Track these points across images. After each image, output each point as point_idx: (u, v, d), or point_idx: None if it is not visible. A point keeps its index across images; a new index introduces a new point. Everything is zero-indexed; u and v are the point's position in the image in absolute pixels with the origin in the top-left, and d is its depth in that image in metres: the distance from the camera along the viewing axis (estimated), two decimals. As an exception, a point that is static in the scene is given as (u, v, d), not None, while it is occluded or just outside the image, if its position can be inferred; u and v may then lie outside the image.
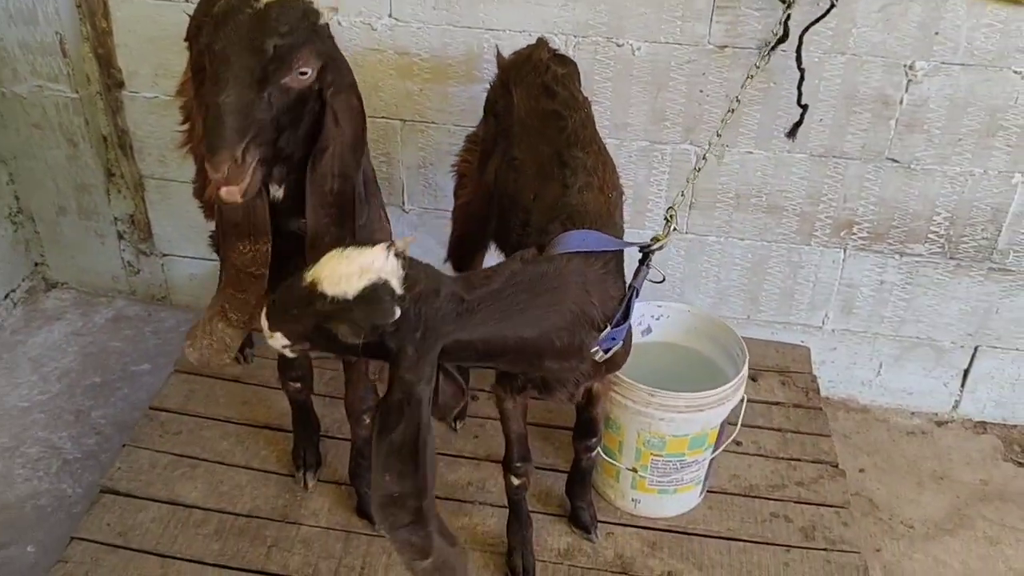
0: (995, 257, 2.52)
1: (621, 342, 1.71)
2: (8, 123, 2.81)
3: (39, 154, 2.86)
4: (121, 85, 2.70)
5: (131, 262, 3.06)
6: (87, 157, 2.85)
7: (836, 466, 2.40)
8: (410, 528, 1.43)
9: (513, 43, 2.28)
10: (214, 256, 2.94)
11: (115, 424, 2.65)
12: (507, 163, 1.84)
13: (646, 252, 1.76)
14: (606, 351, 1.67)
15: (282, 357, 2.06)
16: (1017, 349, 2.68)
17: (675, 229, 1.82)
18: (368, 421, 2.05)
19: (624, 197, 1.89)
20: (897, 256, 2.58)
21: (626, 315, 1.68)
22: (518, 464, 1.92)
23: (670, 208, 1.85)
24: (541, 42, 2.05)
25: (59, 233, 3.04)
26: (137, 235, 2.99)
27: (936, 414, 2.85)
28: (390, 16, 2.44)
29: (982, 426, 2.83)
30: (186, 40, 2.15)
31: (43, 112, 2.77)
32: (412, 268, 1.37)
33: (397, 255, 1.36)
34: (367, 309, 1.32)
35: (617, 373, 1.97)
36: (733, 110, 2.00)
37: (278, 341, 1.40)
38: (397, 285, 1.34)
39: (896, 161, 2.42)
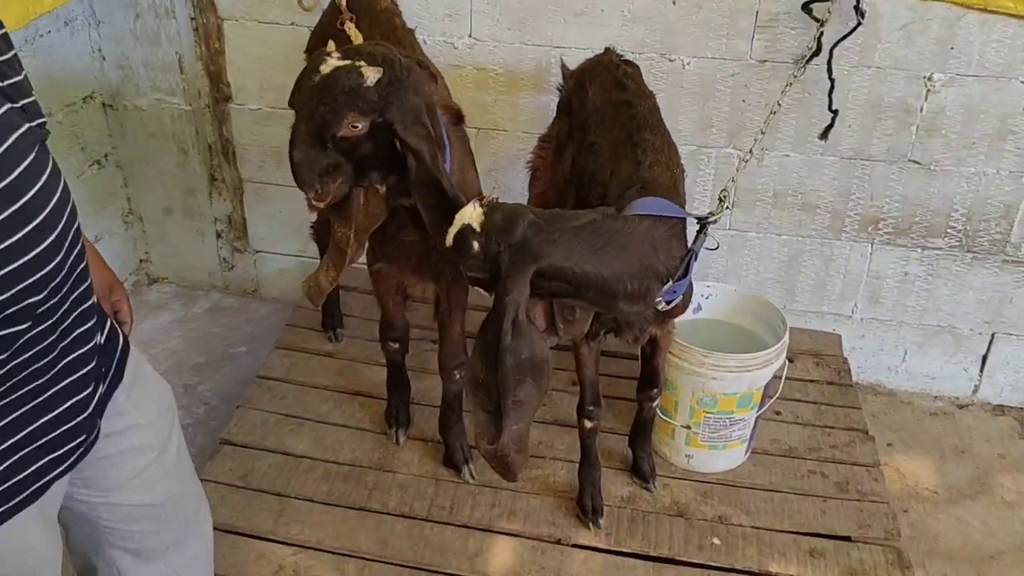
0: (1008, 250, 2.81)
1: (680, 296, 2.02)
2: (127, 132, 3.19)
3: (153, 160, 3.23)
4: (228, 99, 3.08)
5: (226, 258, 3.42)
6: (195, 163, 3.22)
7: (866, 432, 2.68)
8: (490, 416, 1.75)
9: (578, 59, 2.60)
10: (301, 252, 3.31)
11: (220, 396, 2.98)
12: (585, 148, 2.17)
13: (703, 223, 2.08)
14: (668, 303, 1.99)
15: (384, 320, 2.39)
16: (1031, 335, 2.96)
17: (728, 207, 2.12)
18: (458, 376, 2.37)
19: (685, 174, 2.21)
20: (919, 250, 2.87)
21: (686, 272, 1.99)
22: (590, 408, 2.23)
23: (723, 190, 2.16)
24: (608, 49, 2.39)
25: (164, 232, 3.41)
26: (234, 234, 3.35)
27: (957, 398, 3.12)
28: (470, 36, 2.80)
29: (1000, 409, 3.10)
30: (306, 52, 2.50)
31: (159, 123, 3.15)
32: (491, 210, 1.70)
33: (481, 205, 1.70)
34: (459, 248, 1.70)
35: (675, 338, 2.29)
36: (775, 112, 2.32)
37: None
38: (476, 225, 1.69)
39: (917, 163, 2.73)
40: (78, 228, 1.20)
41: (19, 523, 1.23)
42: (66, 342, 1.22)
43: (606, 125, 2.16)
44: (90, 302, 1.28)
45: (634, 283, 1.88)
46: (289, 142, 1.78)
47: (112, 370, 1.40)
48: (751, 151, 2.30)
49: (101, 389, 1.35)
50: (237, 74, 3.03)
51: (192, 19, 2.95)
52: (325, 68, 1.73)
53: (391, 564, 2.20)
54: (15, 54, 1.14)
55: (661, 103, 2.72)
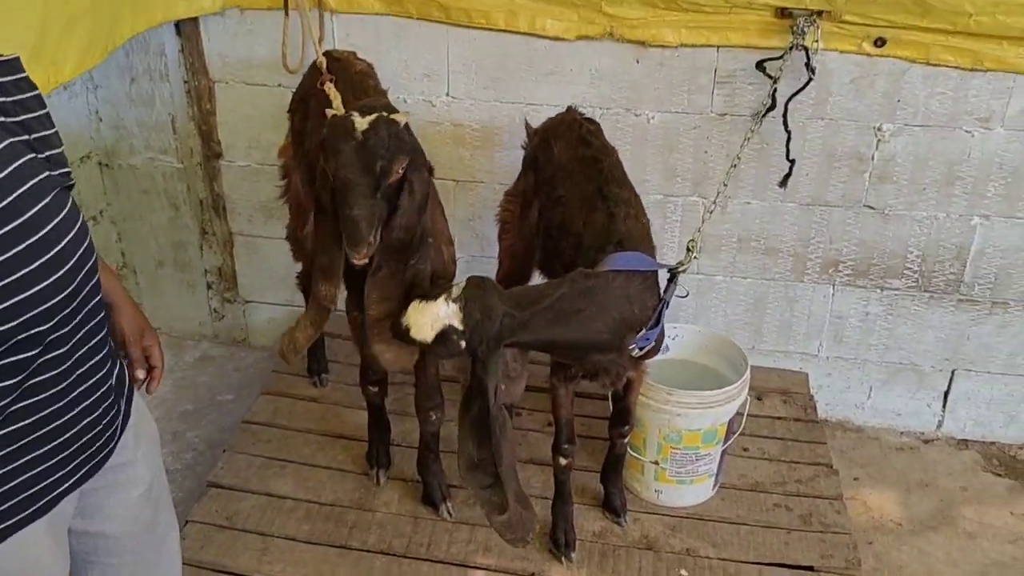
0: (962, 289, 2.94)
1: (653, 341, 2.15)
2: (121, 190, 3.33)
3: (146, 216, 3.37)
4: (219, 156, 3.23)
5: (216, 309, 3.54)
6: (186, 218, 3.36)
7: (830, 467, 2.78)
8: (490, 489, 1.86)
9: (548, 115, 2.77)
10: (288, 301, 3.43)
11: (207, 442, 3.08)
12: (552, 201, 2.31)
13: (674, 272, 2.20)
14: (641, 349, 2.11)
15: (363, 365, 2.51)
16: (989, 372, 3.07)
17: (696, 257, 2.26)
18: (434, 418, 2.48)
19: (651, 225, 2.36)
20: (879, 290, 3.01)
21: (658, 321, 2.12)
22: (565, 446, 2.33)
23: (691, 240, 2.28)
24: (571, 108, 2.54)
25: (156, 284, 3.54)
26: (224, 285, 3.48)
27: (922, 433, 3.22)
28: (447, 94, 2.96)
29: (964, 443, 3.20)
30: (288, 112, 2.65)
31: (152, 180, 3.30)
32: (467, 306, 1.83)
33: (454, 300, 1.82)
34: (442, 346, 1.83)
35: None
36: (735, 165, 2.47)
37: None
38: (458, 324, 1.81)
39: (872, 208, 2.87)
40: (93, 265, 1.32)
41: (30, 536, 1.32)
42: (81, 369, 1.33)
43: (574, 180, 2.31)
44: (103, 334, 1.39)
45: (606, 337, 2.01)
46: (340, 204, 1.86)
47: (124, 407, 1.52)
48: (715, 201, 2.45)
49: (118, 418, 1.46)
50: (227, 133, 3.19)
51: (185, 82, 3.11)
52: (361, 124, 1.85)
53: (370, 599, 2.29)
54: (47, 112, 1.30)
55: (628, 156, 2.89)
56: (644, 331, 2.06)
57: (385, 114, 1.89)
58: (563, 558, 2.40)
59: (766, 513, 2.60)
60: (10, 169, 1.16)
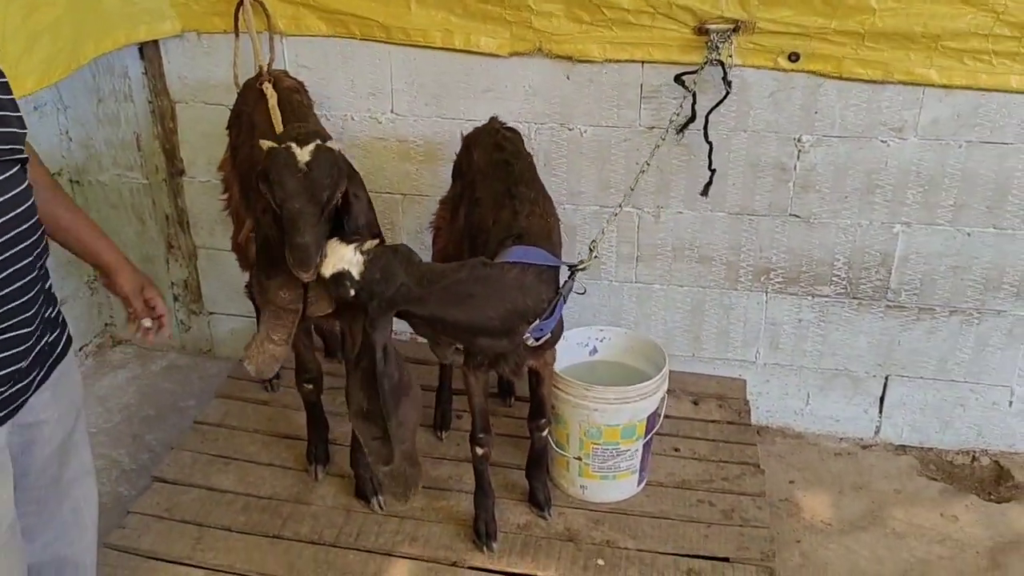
0: (890, 295, 3.03)
1: (549, 333, 2.26)
2: (91, 206, 3.50)
3: (114, 230, 3.53)
4: (182, 172, 3.39)
5: (183, 320, 3.69)
6: (152, 232, 3.52)
7: (757, 466, 2.86)
8: (378, 441, 1.98)
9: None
10: (250, 313, 3.56)
11: (164, 444, 3.20)
12: (471, 203, 2.45)
13: (573, 269, 2.32)
14: (536, 339, 2.22)
15: (299, 364, 2.63)
16: (922, 377, 3.14)
17: (596, 256, 2.38)
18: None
19: (560, 223, 2.48)
20: (809, 297, 3.10)
21: (551, 313, 2.23)
22: (480, 435, 2.44)
23: (593, 241, 2.41)
24: (493, 118, 2.68)
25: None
26: (189, 297, 3.63)
27: (861, 439, 3.29)
28: (392, 111, 3.11)
29: (902, 449, 3.27)
30: (227, 128, 2.81)
31: (120, 195, 3.47)
32: (371, 262, 1.98)
33: (363, 252, 1.96)
34: (334, 286, 1.99)
35: (559, 373, 2.53)
36: (644, 171, 2.60)
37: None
38: (356, 273, 1.96)
39: (797, 216, 2.98)
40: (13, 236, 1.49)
41: None
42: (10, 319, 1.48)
43: (488, 182, 2.44)
44: (21, 301, 1.52)
45: (496, 324, 2.13)
46: (290, 231, 1.95)
47: (44, 370, 1.66)
48: (620, 205, 2.58)
49: (27, 378, 1.59)
50: (188, 150, 3.36)
51: (149, 102, 3.29)
52: (303, 156, 1.96)
53: (295, 584, 2.39)
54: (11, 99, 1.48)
55: (564, 168, 3.04)
56: (538, 321, 2.17)
57: (321, 142, 2.00)
58: (484, 548, 2.49)
59: (689, 508, 2.68)
60: None
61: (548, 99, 2.98)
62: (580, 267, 2.33)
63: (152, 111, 3.30)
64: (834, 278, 3.05)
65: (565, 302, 2.29)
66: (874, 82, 2.74)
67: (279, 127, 2.43)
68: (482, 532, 2.50)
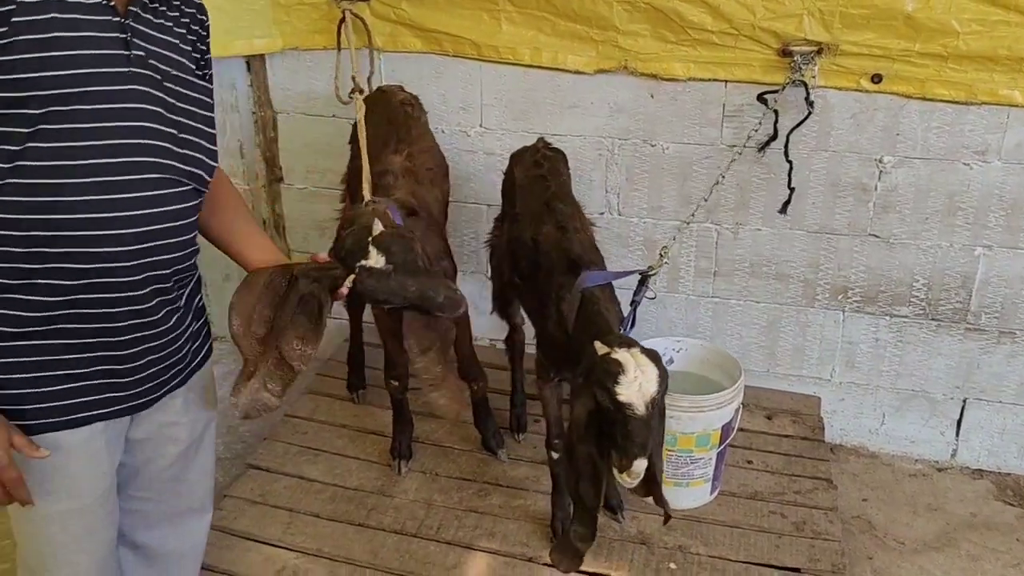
0: (969, 318, 3.04)
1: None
2: (195, 209, 3.72)
3: (215, 233, 3.74)
4: (280, 180, 3.59)
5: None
6: (250, 236, 3.71)
7: (829, 481, 2.88)
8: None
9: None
10: (337, 315, 3.71)
11: (256, 435, 3.37)
12: (512, 219, 2.59)
13: (645, 275, 2.42)
14: None
15: (387, 360, 2.77)
16: (1000, 401, 3.13)
17: (666, 262, 2.47)
18: (475, 388, 2.83)
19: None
20: (887, 317, 3.12)
21: (633, 323, 2.33)
22: (556, 441, 2.53)
23: (664, 247, 2.50)
24: (540, 138, 2.80)
25: (223, 296, 3.88)
26: (281, 298, 3.81)
27: (937, 461, 3.28)
28: (480, 126, 3.25)
29: (979, 473, 3.25)
30: (349, 143, 2.98)
31: (222, 200, 3.67)
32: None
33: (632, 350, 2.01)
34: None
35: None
36: (719, 182, 2.69)
37: None
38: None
39: (877, 236, 3.01)
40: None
41: (56, 441, 1.59)
42: (145, 319, 1.61)
43: (526, 198, 2.58)
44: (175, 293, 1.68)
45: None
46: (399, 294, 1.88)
47: (182, 377, 1.81)
48: (693, 214, 2.67)
49: (163, 377, 1.73)
50: (288, 158, 3.55)
51: (253, 113, 3.50)
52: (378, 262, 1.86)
53: (378, 570, 2.51)
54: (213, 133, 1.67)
55: (646, 183, 3.13)
56: (624, 329, 2.27)
57: (373, 237, 1.87)
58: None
59: (761, 519, 2.72)
60: None
61: (632, 116, 3.08)
62: (651, 273, 2.43)
63: (255, 121, 3.51)
64: (913, 299, 3.06)
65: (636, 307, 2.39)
66: (957, 103, 2.77)
67: (364, 145, 2.57)
68: (558, 531, 2.59)
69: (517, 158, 2.74)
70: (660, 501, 2.09)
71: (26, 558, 1.71)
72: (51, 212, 1.44)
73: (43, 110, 1.39)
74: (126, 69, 1.48)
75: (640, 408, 1.90)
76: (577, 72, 3.03)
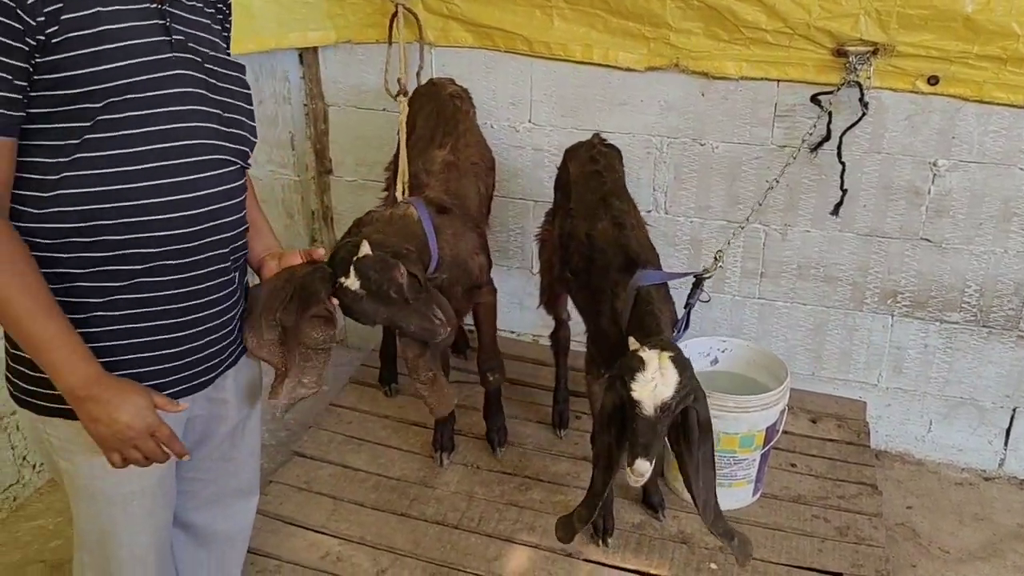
0: (1022, 326, 2.99)
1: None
2: (246, 199, 3.78)
3: (264, 223, 3.79)
4: (330, 172, 3.63)
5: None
6: (299, 227, 3.77)
7: (874, 487, 2.85)
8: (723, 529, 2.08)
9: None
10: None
11: (300, 424, 3.42)
12: (565, 212, 2.59)
13: (699, 278, 2.41)
14: None
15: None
16: (1052, 411, 3.08)
17: (720, 266, 2.46)
18: (491, 378, 2.84)
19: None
20: (937, 323, 3.08)
21: (686, 325, 2.33)
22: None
23: (719, 251, 2.49)
24: (596, 134, 2.80)
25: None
26: (327, 289, 3.86)
27: (984, 470, 3.23)
28: (529, 121, 3.26)
29: (1028, 483, 3.20)
30: (397, 133, 3.01)
31: (272, 191, 3.72)
32: (677, 357, 1.96)
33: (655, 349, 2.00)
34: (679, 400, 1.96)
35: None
36: (772, 188, 2.66)
37: None
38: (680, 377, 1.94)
39: (929, 240, 2.97)
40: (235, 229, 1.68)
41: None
42: (201, 299, 1.64)
43: (580, 192, 2.58)
44: (225, 278, 1.68)
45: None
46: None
47: (235, 355, 1.80)
48: (747, 219, 2.65)
49: (222, 356, 1.74)
50: (337, 151, 3.59)
51: (304, 105, 3.54)
52: (353, 284, 1.96)
53: (420, 560, 2.53)
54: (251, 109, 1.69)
55: (694, 183, 3.12)
56: (678, 332, 2.27)
57: (356, 258, 1.96)
58: (600, 542, 2.58)
59: (803, 522, 2.71)
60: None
61: (682, 114, 3.07)
62: (706, 276, 2.41)
63: (307, 113, 3.55)
64: (964, 305, 3.02)
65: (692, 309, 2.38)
66: (1015, 107, 2.72)
67: (404, 143, 2.64)
68: (599, 527, 2.60)
69: (572, 153, 2.74)
70: (728, 540, 2.07)
71: (85, 538, 1.74)
72: (115, 200, 1.47)
73: (102, 103, 1.42)
74: (170, 55, 1.49)
75: (648, 409, 1.91)
76: (628, 69, 3.03)
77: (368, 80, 3.39)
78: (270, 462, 3.21)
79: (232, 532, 2.05)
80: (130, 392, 1.51)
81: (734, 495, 2.74)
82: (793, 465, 2.96)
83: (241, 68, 1.69)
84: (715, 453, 2.61)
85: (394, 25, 3.14)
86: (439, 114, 2.78)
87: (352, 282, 1.94)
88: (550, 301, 2.95)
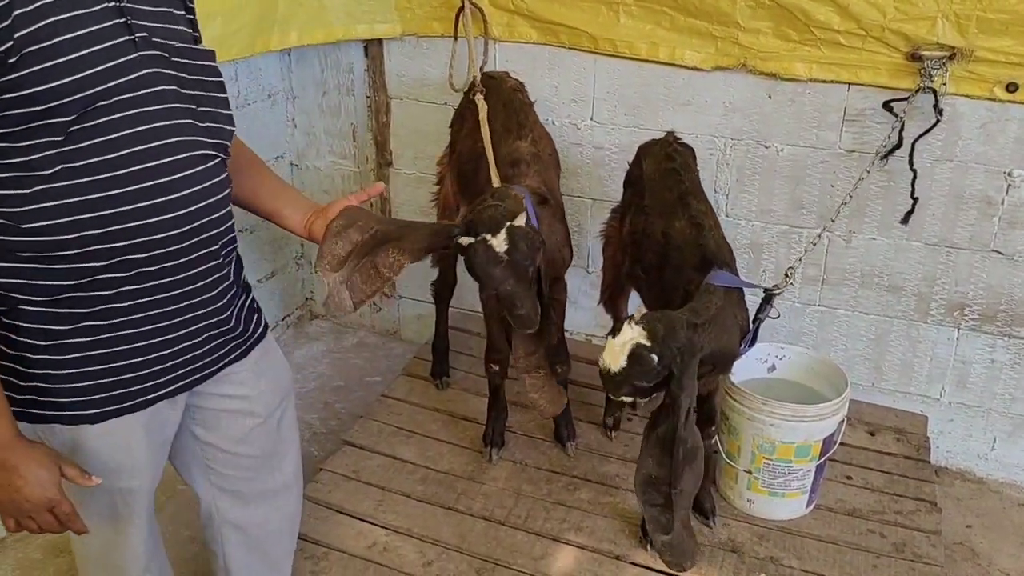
0: (1096, 344, 2.88)
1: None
2: (305, 188, 3.81)
3: (324, 213, 3.83)
4: (390, 164, 3.64)
5: (375, 302, 3.95)
6: (357, 217, 3.79)
7: (934, 504, 2.77)
8: (659, 509, 1.99)
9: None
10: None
11: (350, 413, 3.45)
12: (638, 210, 2.55)
13: (769, 293, 2.35)
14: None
15: (489, 344, 2.78)
16: (1124, 434, 2.96)
17: (791, 283, 2.40)
18: (560, 370, 2.73)
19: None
20: (1006, 338, 2.98)
21: (754, 338, 2.29)
22: (652, 437, 2.51)
23: (790, 268, 2.41)
24: (669, 132, 2.75)
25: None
26: (383, 281, 3.88)
27: (1049, 492, 3.13)
28: (591, 119, 3.24)
29: (1095, 508, 3.09)
30: (450, 126, 3.01)
31: (332, 181, 3.76)
32: (650, 323, 1.93)
33: (637, 323, 1.95)
34: (637, 366, 1.92)
35: (736, 384, 2.57)
36: (846, 203, 2.59)
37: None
38: (646, 340, 1.91)
39: (1000, 253, 2.88)
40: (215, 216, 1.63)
41: (123, 424, 1.62)
42: (188, 301, 1.62)
43: (656, 190, 2.53)
44: (217, 276, 1.67)
45: (735, 345, 2.21)
46: (509, 307, 2.05)
47: (241, 350, 1.81)
48: (819, 235, 2.59)
49: (222, 351, 1.74)
50: (398, 144, 3.61)
51: (367, 97, 3.56)
52: (500, 245, 1.98)
53: (465, 555, 2.53)
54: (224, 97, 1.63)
55: (757, 186, 3.07)
56: (744, 346, 2.23)
57: (512, 223, 1.98)
58: (648, 546, 2.55)
59: (858, 536, 2.64)
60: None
61: (747, 115, 3.01)
62: (776, 292, 2.35)
63: (369, 105, 3.57)
64: (1035, 320, 2.92)
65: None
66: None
67: (488, 142, 2.60)
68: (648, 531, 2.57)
69: (646, 150, 2.70)
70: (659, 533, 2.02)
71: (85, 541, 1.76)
72: (100, 209, 1.43)
73: (72, 115, 1.36)
74: (135, 55, 1.42)
75: (603, 361, 1.95)
76: (694, 68, 2.98)
77: (431, 74, 3.39)
78: (320, 450, 3.25)
79: (281, 527, 2.07)
80: (36, 465, 1.45)
81: (787, 506, 2.68)
82: (849, 478, 2.88)
83: (211, 55, 1.60)
84: (771, 462, 2.59)
85: (460, 20, 3.14)
86: (506, 107, 2.77)
87: (500, 243, 1.94)
88: (611, 299, 2.92)
